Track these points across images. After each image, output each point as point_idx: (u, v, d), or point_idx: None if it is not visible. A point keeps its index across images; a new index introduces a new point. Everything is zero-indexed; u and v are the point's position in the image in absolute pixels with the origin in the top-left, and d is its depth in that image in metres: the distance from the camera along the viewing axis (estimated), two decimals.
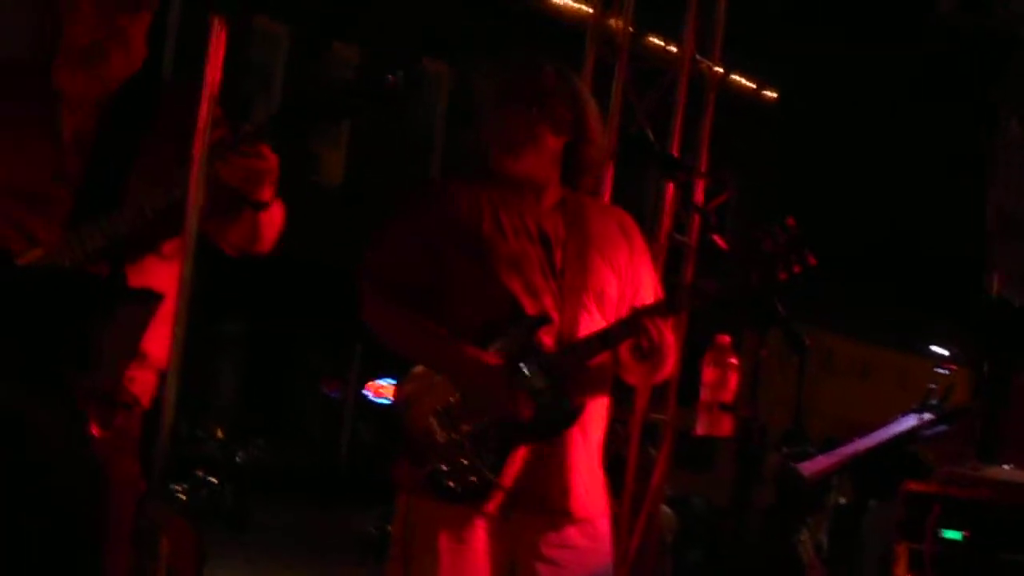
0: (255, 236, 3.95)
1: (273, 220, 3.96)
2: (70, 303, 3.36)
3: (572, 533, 4.24)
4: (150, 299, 3.69)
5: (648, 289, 4.36)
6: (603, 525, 4.33)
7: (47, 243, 3.81)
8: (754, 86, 23.95)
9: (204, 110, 3.33)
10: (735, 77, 21.02)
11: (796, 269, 4.14)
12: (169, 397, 3.28)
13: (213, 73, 3.33)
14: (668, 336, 4.21)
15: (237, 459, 16.76)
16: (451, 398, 4.17)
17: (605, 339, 4.18)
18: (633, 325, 4.16)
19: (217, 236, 3.91)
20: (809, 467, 5.57)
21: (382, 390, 20.83)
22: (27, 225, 3.80)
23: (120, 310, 3.46)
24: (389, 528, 4.53)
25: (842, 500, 10.17)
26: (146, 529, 3.39)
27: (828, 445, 7.79)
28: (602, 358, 4.22)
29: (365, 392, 21.92)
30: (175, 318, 3.32)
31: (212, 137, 3.81)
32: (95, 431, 3.85)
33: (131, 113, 3.99)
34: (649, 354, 4.19)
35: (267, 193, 3.86)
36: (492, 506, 4.16)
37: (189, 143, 3.88)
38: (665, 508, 7.29)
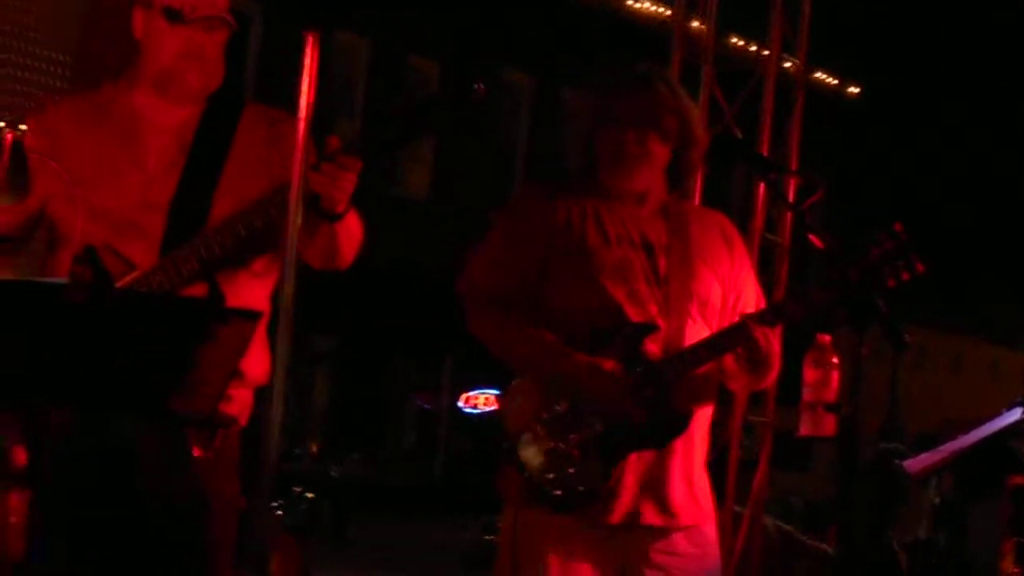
0: (334, 252, 3.95)
1: (352, 234, 3.96)
2: (171, 326, 3.37)
3: (679, 540, 4.24)
4: (250, 318, 3.70)
5: (750, 295, 4.35)
6: (710, 530, 4.34)
7: (145, 266, 3.84)
8: (836, 82, 23.87)
9: (301, 127, 3.32)
10: (819, 75, 20.91)
11: (905, 276, 4.11)
12: (275, 417, 3.28)
13: (308, 89, 3.32)
14: (775, 345, 4.19)
15: (333, 474, 16.85)
16: (558, 407, 4.16)
17: (712, 347, 4.17)
18: (741, 334, 4.14)
19: (306, 254, 3.91)
20: (914, 464, 5.53)
21: (476, 400, 20.88)
22: (124, 250, 3.83)
23: (220, 330, 3.45)
24: (488, 538, 4.55)
25: (936, 500, 10.11)
26: (256, 546, 3.40)
27: (922, 440, 7.74)
28: (708, 366, 4.20)
29: (458, 404, 21.98)
30: (279, 337, 3.32)
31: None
32: (196, 452, 3.89)
33: (214, 135, 4.03)
34: (756, 363, 4.18)
35: (341, 206, 3.87)
36: (599, 515, 4.15)
37: (271, 159, 3.91)
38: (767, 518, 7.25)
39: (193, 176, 3.98)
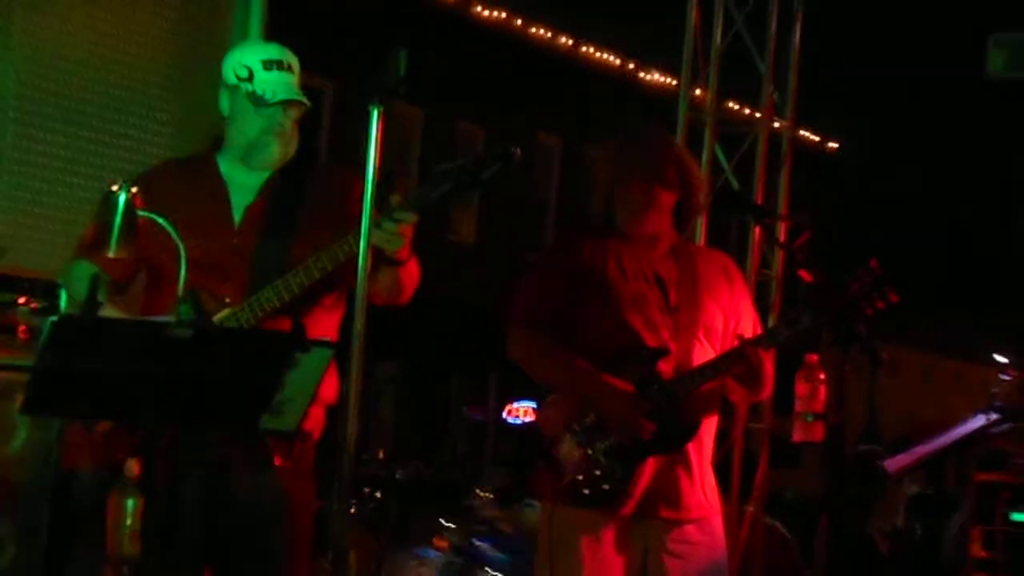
0: (396, 291, 3.95)
1: (411, 276, 3.96)
2: (261, 356, 3.37)
3: (691, 530, 4.23)
4: (327, 347, 3.70)
5: (748, 322, 4.34)
6: (717, 522, 4.33)
7: (235, 304, 3.84)
8: (817, 139, 23.79)
9: (369, 187, 3.33)
10: (803, 133, 20.84)
11: (880, 305, 4.11)
12: (351, 432, 3.28)
13: (375, 154, 3.33)
14: (767, 364, 4.19)
15: (397, 476, 16.78)
16: (587, 419, 4.16)
17: (716, 367, 4.17)
18: (739, 356, 4.13)
19: (372, 294, 3.91)
20: (891, 464, 5.49)
21: (517, 412, 20.82)
22: (217, 290, 3.84)
23: (302, 358, 3.45)
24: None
25: (915, 489, 10.02)
26: (337, 543, 3.39)
27: (898, 442, 7.67)
28: (712, 384, 4.19)
29: (503, 415, 21.91)
30: (353, 364, 3.32)
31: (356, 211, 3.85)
32: (278, 462, 3.88)
33: (290, 193, 4.03)
34: (750, 379, 4.17)
35: (404, 253, 3.87)
36: (624, 510, 4.15)
37: (338, 211, 3.91)
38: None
39: (273, 228, 3.99)
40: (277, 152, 4.02)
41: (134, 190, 3.48)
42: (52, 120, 5.84)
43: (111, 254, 3.46)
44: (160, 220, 3.55)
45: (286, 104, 3.99)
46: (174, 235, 3.52)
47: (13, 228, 4.66)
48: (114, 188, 3.45)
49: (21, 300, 4.82)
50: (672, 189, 4.26)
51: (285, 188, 4.04)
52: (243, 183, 4.03)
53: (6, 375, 4.69)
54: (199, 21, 6.24)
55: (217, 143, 4.11)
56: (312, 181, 4.08)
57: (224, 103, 4.04)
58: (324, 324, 3.95)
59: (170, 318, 3.45)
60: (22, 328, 4.82)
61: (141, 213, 3.49)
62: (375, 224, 3.69)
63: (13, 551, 4.75)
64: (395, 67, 3.38)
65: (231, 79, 4.01)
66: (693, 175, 4.32)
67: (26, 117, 5.74)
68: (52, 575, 4.64)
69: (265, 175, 4.04)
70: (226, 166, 4.06)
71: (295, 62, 4.03)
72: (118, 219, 3.42)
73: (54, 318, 3.22)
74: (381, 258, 3.80)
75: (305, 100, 4.02)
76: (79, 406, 3.44)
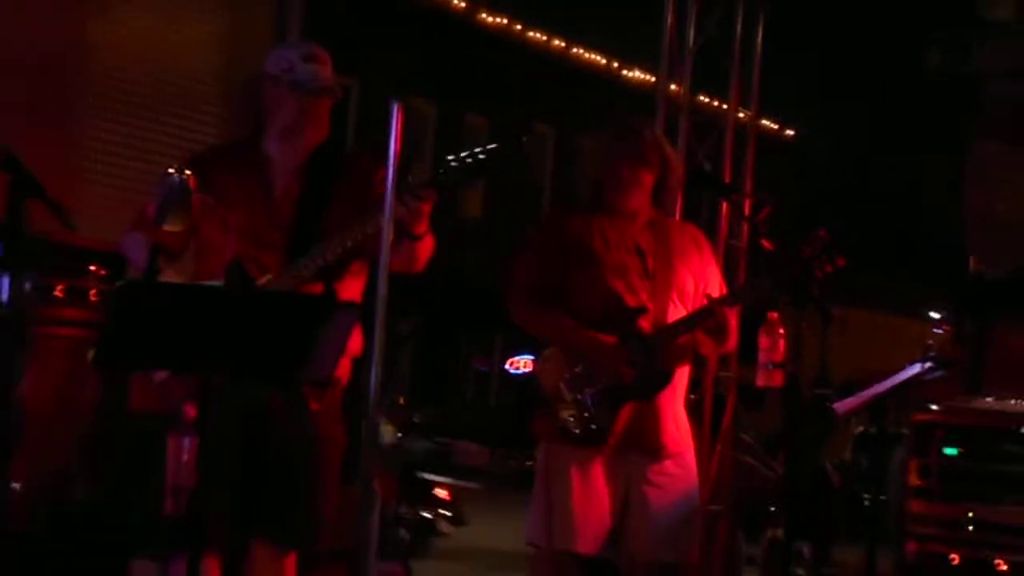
0: (412, 260, 3.94)
1: (427, 248, 3.96)
2: (298, 316, 3.38)
3: (668, 464, 4.24)
4: (354, 308, 3.71)
5: (715, 284, 4.34)
6: (690, 457, 4.33)
7: (275, 271, 3.85)
8: (776, 127, 23.74)
9: (393, 170, 3.33)
10: (764, 121, 20.80)
11: (829, 268, 4.12)
12: (374, 382, 3.29)
13: (395, 143, 3.34)
14: (732, 320, 4.21)
15: (415, 420, 16.82)
16: (576, 369, 4.17)
17: (688, 323, 4.18)
18: (708, 313, 4.15)
19: (394, 263, 3.90)
20: (840, 406, 5.50)
21: (518, 364, 20.85)
22: (260, 258, 3.84)
23: (334, 318, 3.47)
24: (527, 464, 4.55)
25: (860, 428, 10.02)
26: (365, 476, 3.40)
27: (846, 387, 7.68)
28: (685, 338, 4.21)
29: (506, 367, 21.94)
30: (377, 323, 3.33)
31: (378, 192, 3.85)
32: (312, 406, 3.90)
33: (322, 174, 4.02)
34: (717, 333, 4.18)
35: (422, 228, 3.87)
36: (609, 447, 4.16)
37: (366, 193, 3.91)
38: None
39: (308, 204, 3.99)
40: (313, 134, 4.03)
41: (188, 172, 3.48)
42: (118, 111, 5.86)
43: (167, 227, 3.47)
44: (212, 200, 3.56)
45: (321, 93, 3.99)
46: (224, 213, 3.53)
47: (86, 204, 4.67)
48: (171, 170, 3.45)
49: (92, 267, 4.83)
50: (652, 169, 4.26)
51: (318, 169, 4.04)
52: (282, 164, 4.03)
53: (80, 332, 4.70)
54: (243, 26, 6.25)
55: (258, 129, 4.11)
56: (341, 164, 4.08)
57: (267, 93, 4.04)
58: (351, 287, 3.96)
59: (219, 283, 3.47)
60: (93, 292, 4.83)
61: (194, 192, 3.49)
62: (399, 201, 3.71)
63: (86, 488, 4.78)
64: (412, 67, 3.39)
65: (274, 71, 4.01)
66: (670, 158, 4.33)
67: (96, 110, 5.75)
68: (121, 504, 4.67)
69: (301, 157, 4.04)
70: (268, 149, 4.05)
71: (328, 57, 4.05)
72: (174, 197, 3.42)
73: (120, 283, 3.23)
74: (403, 231, 3.81)
75: (338, 91, 4.02)
76: (141, 359, 3.46)
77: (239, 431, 3.80)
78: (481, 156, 3.75)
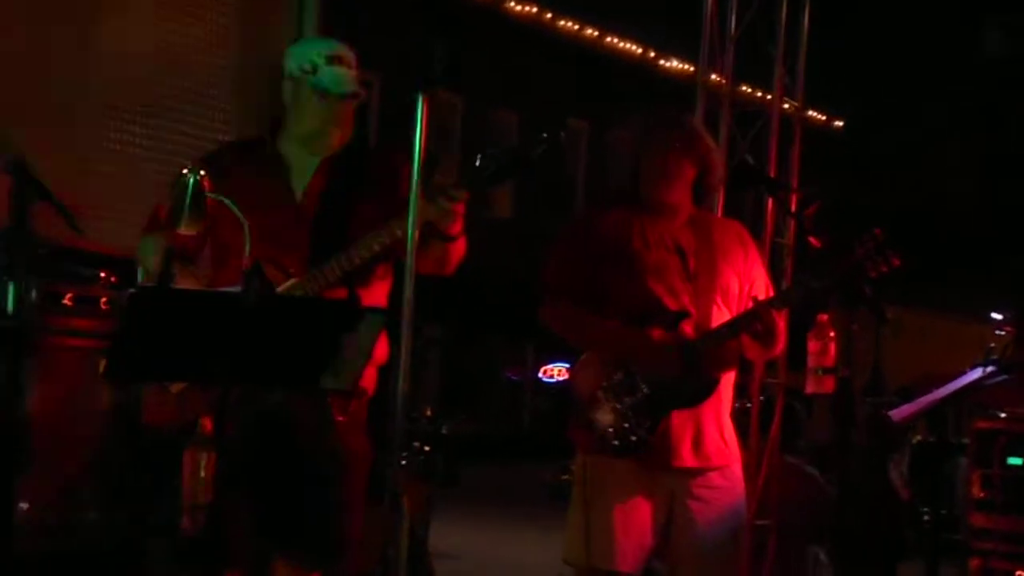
0: (443, 262, 3.95)
1: (459, 250, 3.96)
2: (321, 322, 3.38)
3: (713, 476, 4.20)
4: (380, 314, 3.70)
5: (761, 285, 4.30)
6: (736, 469, 4.30)
7: (298, 275, 3.85)
8: (824, 118, 23.65)
9: (417, 168, 3.33)
10: (811, 112, 20.72)
11: (884, 269, 4.07)
12: (400, 391, 3.28)
13: (421, 138, 3.33)
14: (780, 323, 4.16)
15: (444, 431, 16.79)
16: (615, 377, 4.14)
17: (733, 327, 4.14)
18: (754, 315, 4.11)
19: (420, 265, 3.90)
20: (896, 414, 5.45)
21: (552, 372, 20.84)
22: (281, 262, 3.84)
23: (358, 324, 3.46)
24: (564, 477, 4.54)
25: (918, 437, 9.94)
26: (393, 492, 3.40)
27: (900, 393, 7.62)
28: (730, 342, 4.17)
29: (539, 375, 21.92)
30: (403, 328, 3.33)
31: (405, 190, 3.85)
32: (337, 417, 3.89)
33: (346, 173, 4.03)
34: (764, 337, 4.15)
35: (456, 229, 3.87)
36: (651, 459, 4.13)
37: (388, 189, 3.91)
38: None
39: (331, 205, 3.99)
40: (337, 138, 4.03)
41: (202, 173, 3.48)
42: (129, 112, 5.88)
43: (182, 230, 3.47)
44: (226, 200, 3.56)
45: (347, 96, 3.99)
46: (238, 213, 3.53)
47: (96, 208, 4.68)
48: (184, 172, 3.45)
49: (102, 274, 4.85)
50: (694, 163, 4.23)
51: (340, 168, 4.04)
52: (302, 164, 4.03)
53: (90, 342, 4.72)
54: (255, 23, 6.26)
55: (273, 127, 4.11)
56: (365, 162, 4.08)
57: (287, 93, 4.04)
58: (376, 291, 3.96)
59: (237, 289, 3.47)
60: (103, 300, 4.85)
61: (209, 194, 3.50)
62: (432, 202, 3.70)
63: (99, 503, 4.79)
64: (438, 59, 3.38)
65: (295, 72, 4.01)
66: (712, 154, 4.30)
67: (108, 111, 5.78)
68: (135, 521, 4.68)
69: (322, 158, 4.04)
70: (285, 148, 4.06)
71: (352, 57, 4.05)
72: (188, 199, 3.42)
73: (132, 290, 3.24)
74: (434, 233, 3.81)
75: (363, 92, 4.03)
76: (156, 370, 3.47)
77: (260, 445, 3.80)
78: (516, 155, 3.74)
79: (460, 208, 3.81)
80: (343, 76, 3.98)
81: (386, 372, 3.89)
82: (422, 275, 3.55)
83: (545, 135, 3.74)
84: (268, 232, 3.86)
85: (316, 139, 4.02)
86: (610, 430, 4.12)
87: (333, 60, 4.00)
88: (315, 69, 3.98)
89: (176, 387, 3.79)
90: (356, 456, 3.95)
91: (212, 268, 3.98)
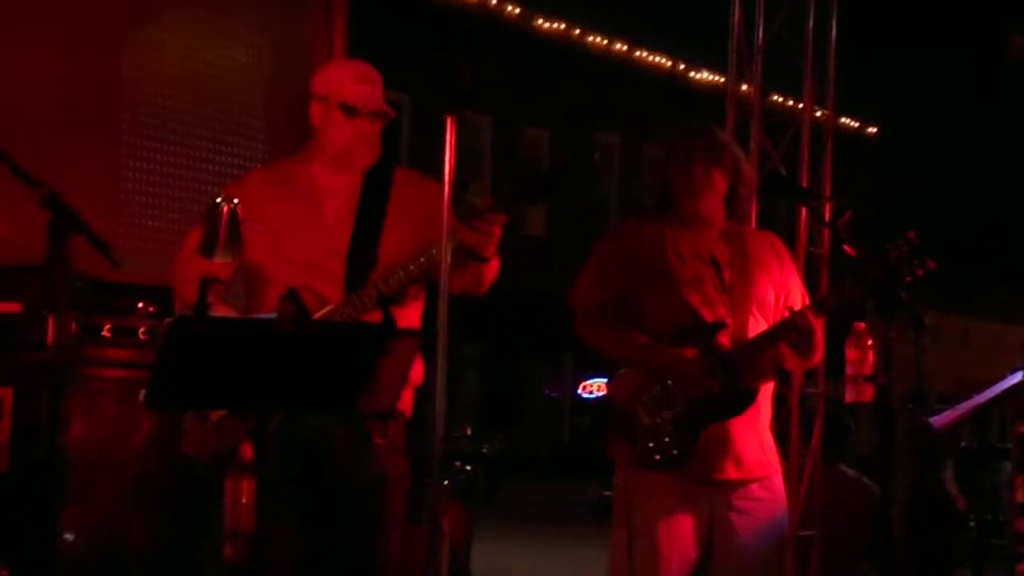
0: (478, 283, 3.95)
1: (492, 271, 3.97)
2: (358, 346, 3.39)
3: (755, 488, 4.19)
4: (416, 336, 3.72)
5: (797, 294, 4.30)
6: (778, 480, 4.28)
7: (333, 300, 3.87)
8: (856, 125, 23.58)
9: (447, 189, 3.34)
10: (843, 120, 20.67)
11: (919, 272, 4.06)
12: (440, 410, 3.29)
13: (450, 159, 3.34)
14: (818, 332, 4.15)
15: (484, 450, 16.83)
16: (654, 391, 4.14)
17: (770, 337, 4.13)
18: (791, 325, 4.10)
19: (451, 284, 3.91)
20: (938, 420, 5.42)
21: (591, 388, 20.83)
22: (316, 287, 3.85)
23: (395, 347, 3.48)
24: (606, 493, 4.55)
25: (961, 443, 9.86)
26: (432, 512, 3.40)
27: (941, 399, 7.57)
28: (768, 353, 4.16)
29: (578, 391, 21.92)
30: (439, 349, 3.34)
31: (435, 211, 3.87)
32: (376, 441, 3.91)
33: (375, 194, 4.04)
34: (802, 346, 4.14)
35: (492, 250, 3.88)
36: (692, 472, 4.12)
37: (419, 211, 3.93)
38: None
39: (363, 227, 4.00)
40: (365, 158, 4.05)
41: (236, 201, 3.50)
42: (158, 139, 5.90)
43: (218, 259, 3.49)
44: (261, 228, 3.58)
45: (374, 115, 4.02)
46: (273, 241, 3.55)
47: (130, 239, 4.71)
48: (218, 199, 3.47)
49: (139, 304, 4.88)
50: (724, 174, 4.23)
51: (370, 190, 4.06)
52: (333, 187, 4.05)
53: (129, 373, 4.75)
54: (287, 46, 6.29)
55: (303, 150, 4.13)
56: (393, 184, 4.09)
57: (316, 114, 4.06)
58: (409, 313, 3.97)
59: (273, 315, 3.49)
60: (141, 330, 4.88)
61: (244, 222, 3.51)
62: (468, 224, 3.72)
63: (143, 534, 4.82)
64: (465, 80, 3.40)
65: (323, 93, 4.03)
66: (742, 164, 4.31)
67: (136, 139, 5.80)
68: (179, 553, 4.70)
69: (351, 179, 4.06)
70: (317, 171, 4.07)
71: (379, 77, 4.07)
72: (223, 227, 3.44)
73: (170, 319, 3.26)
74: (469, 254, 3.82)
75: (391, 111, 4.05)
76: (195, 398, 3.49)
77: (300, 471, 3.81)
78: (557, 172, 3.76)
79: (498, 230, 3.82)
80: (370, 95, 4.01)
81: (422, 394, 3.90)
82: (455, 295, 3.56)
83: (580, 156, 3.76)
84: (301, 258, 3.88)
85: (344, 160, 4.03)
86: (650, 445, 4.12)
87: (360, 79, 4.03)
88: (341, 89, 4.00)
89: (215, 415, 3.82)
90: (395, 479, 3.96)
91: (244, 296, 3.99)
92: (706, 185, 4.22)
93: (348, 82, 4.01)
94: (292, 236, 3.89)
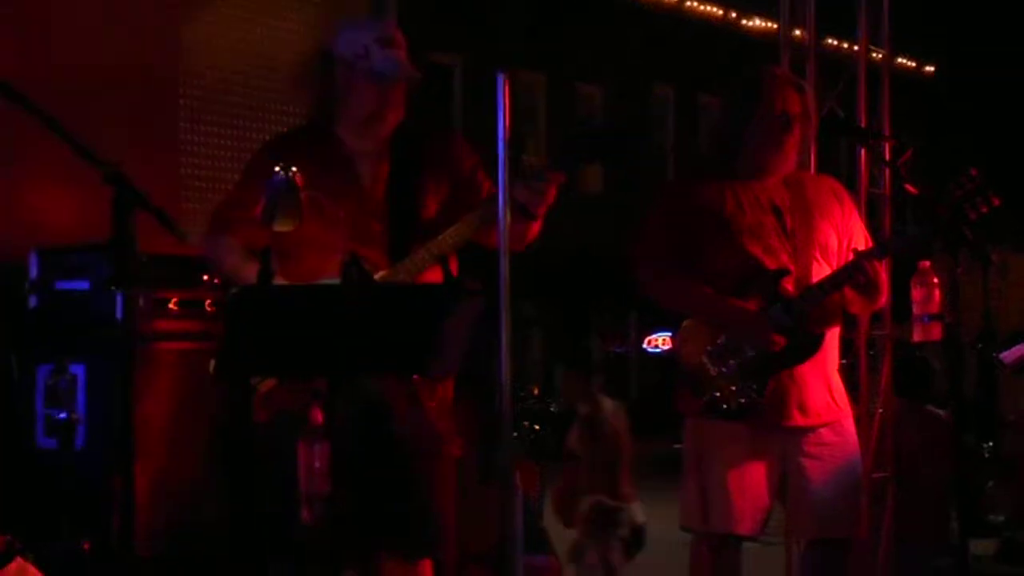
0: (519, 241, 3.90)
1: (534, 230, 3.95)
2: (422, 308, 3.40)
3: (825, 433, 4.19)
4: (477, 295, 3.73)
5: (859, 237, 4.27)
6: (848, 423, 4.28)
7: (380, 264, 3.86)
8: (914, 64, 23.31)
9: (502, 149, 3.34)
10: (900, 60, 20.43)
11: (984, 209, 4.02)
12: (506, 371, 3.30)
13: (505, 119, 3.34)
14: (883, 274, 4.13)
15: (552, 409, 16.85)
16: (719, 340, 4.14)
17: (834, 281, 4.11)
18: (855, 268, 4.07)
19: (486, 238, 3.90)
20: (1008, 356, 5.38)
21: (657, 342, 20.80)
22: (362, 252, 3.75)
23: (457, 307, 3.48)
24: (675, 445, 4.54)
25: None
26: (504, 468, 3.42)
27: (1012, 336, 7.49)
28: (833, 297, 4.14)
29: (644, 346, 21.89)
30: (501, 308, 3.35)
31: (468, 168, 3.86)
32: (427, 403, 3.94)
33: (406, 155, 4.02)
34: (868, 289, 4.11)
35: (544, 208, 3.87)
36: (760, 420, 4.12)
37: (452, 172, 3.94)
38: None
39: (399, 188, 3.99)
40: (392, 120, 4.02)
41: (294, 170, 3.50)
42: (214, 115, 5.95)
43: (277, 227, 3.50)
44: (317, 194, 3.59)
45: (401, 80, 3.98)
46: (332, 206, 3.57)
47: (190, 213, 4.76)
48: (276, 168, 3.48)
49: (204, 277, 4.93)
50: (803, 121, 4.19)
51: (400, 150, 4.03)
52: (364, 150, 4.01)
53: (197, 344, 4.80)
54: (336, 8, 6.30)
55: (328, 113, 4.07)
56: (422, 143, 4.07)
57: (341, 79, 3.99)
58: (435, 272, 3.97)
59: (335, 280, 3.51)
60: (207, 302, 4.93)
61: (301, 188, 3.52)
62: (527, 184, 3.72)
63: (216, 502, 4.87)
64: (518, 39, 3.39)
65: (347, 56, 3.96)
66: (813, 109, 4.26)
67: (193, 114, 5.86)
68: (252, 519, 4.76)
69: (380, 140, 4.03)
70: (346, 135, 4.03)
71: (402, 37, 4.01)
72: (282, 196, 3.45)
73: (235, 290, 3.29)
74: (522, 211, 3.82)
75: (417, 74, 4.01)
76: (264, 366, 3.52)
77: (363, 435, 3.83)
78: (615, 133, 3.75)
79: (552, 190, 3.81)
80: (397, 58, 3.95)
81: (484, 354, 3.91)
82: (490, 250, 3.54)
83: (636, 125, 3.75)
84: (346, 224, 3.89)
85: (372, 123, 3.99)
86: (717, 394, 4.12)
87: (385, 42, 3.96)
88: (367, 52, 3.94)
89: (265, 386, 3.85)
90: (447, 440, 3.98)
91: (290, 263, 3.91)
92: (789, 138, 4.18)
93: (373, 45, 3.94)
94: (329, 199, 3.86)
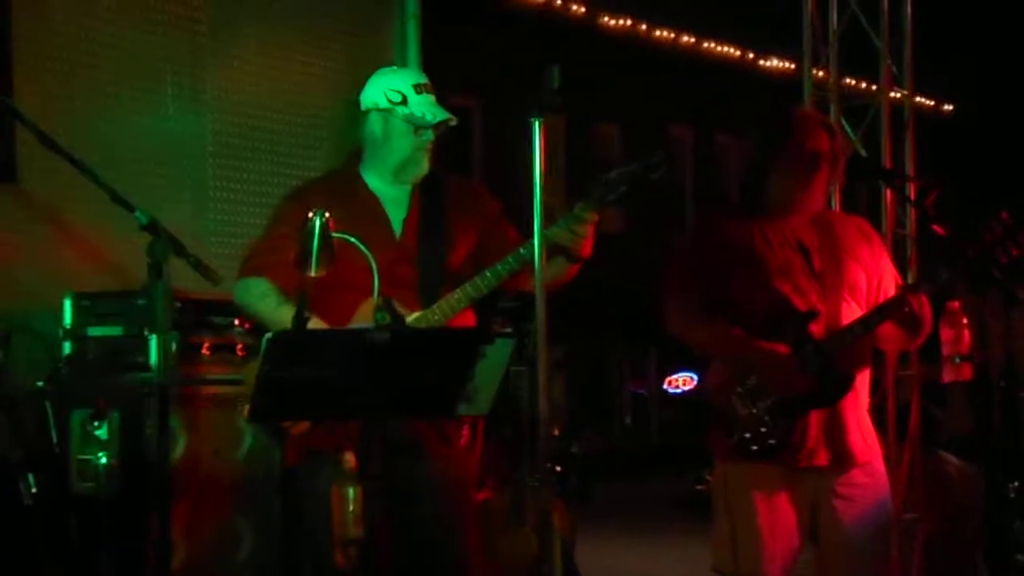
0: (559, 279, 3.95)
1: (574, 269, 3.99)
2: (455, 351, 3.43)
3: (856, 474, 4.17)
4: (509, 338, 3.74)
5: (889, 277, 4.26)
6: (879, 464, 4.26)
7: (409, 308, 3.88)
8: (932, 103, 23.31)
9: (537, 192, 3.37)
10: (919, 99, 20.46)
11: (1015, 252, 4.02)
12: (544, 413, 3.31)
13: (541, 161, 3.37)
14: (927, 310, 4.12)
15: (573, 450, 16.77)
16: (749, 381, 4.12)
17: (865, 324, 4.10)
18: (900, 302, 4.06)
19: (523, 282, 3.94)
20: None
21: (677, 382, 20.75)
22: (395, 296, 3.75)
23: (488, 350, 3.50)
24: (698, 488, 4.54)
25: None
26: (543, 511, 3.43)
27: None
28: (863, 339, 4.14)
29: (664, 386, 21.84)
30: (539, 350, 3.36)
31: (494, 214, 3.89)
32: (455, 444, 3.97)
33: (433, 201, 4.08)
34: (911, 324, 4.11)
35: (588, 248, 3.90)
36: (791, 462, 4.11)
37: (474, 213, 4.01)
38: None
39: (429, 235, 4.05)
40: (426, 167, 4.08)
41: (327, 215, 3.53)
42: (243, 158, 6.00)
43: (312, 273, 3.53)
44: (352, 239, 3.62)
45: (440, 126, 4.05)
46: (365, 251, 3.60)
47: (225, 258, 4.79)
48: (310, 213, 3.52)
49: (236, 322, 4.96)
50: (831, 164, 4.19)
51: (427, 198, 4.09)
52: (393, 197, 4.08)
53: (229, 388, 4.82)
54: (360, 53, 6.35)
55: (353, 161, 4.14)
56: (444, 191, 4.12)
57: (376, 126, 4.07)
58: (465, 315, 4.00)
59: (368, 324, 3.53)
60: (239, 346, 4.95)
61: (335, 235, 3.55)
62: (566, 228, 3.75)
63: (250, 544, 4.89)
64: (551, 82, 3.42)
65: (383, 103, 4.04)
66: (840, 151, 4.26)
67: (222, 158, 5.90)
68: (286, 563, 4.77)
69: (409, 188, 4.09)
70: (374, 182, 4.10)
71: (430, 82, 4.09)
72: (316, 241, 3.48)
73: (269, 335, 3.31)
74: (566, 255, 3.86)
75: (453, 119, 4.08)
76: (296, 410, 3.54)
77: (396, 478, 3.84)
78: (643, 172, 3.78)
79: (592, 230, 3.84)
80: (432, 104, 4.04)
81: (507, 397, 3.93)
82: (523, 291, 3.56)
83: (663, 156, 3.78)
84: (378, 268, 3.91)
85: (407, 170, 4.07)
86: (747, 435, 4.11)
87: (420, 89, 4.05)
88: (404, 100, 4.02)
89: (297, 429, 3.87)
90: (477, 482, 4.02)
91: (323, 306, 3.95)
92: (820, 182, 4.18)
93: (410, 92, 4.04)
94: (365, 242, 3.90)
